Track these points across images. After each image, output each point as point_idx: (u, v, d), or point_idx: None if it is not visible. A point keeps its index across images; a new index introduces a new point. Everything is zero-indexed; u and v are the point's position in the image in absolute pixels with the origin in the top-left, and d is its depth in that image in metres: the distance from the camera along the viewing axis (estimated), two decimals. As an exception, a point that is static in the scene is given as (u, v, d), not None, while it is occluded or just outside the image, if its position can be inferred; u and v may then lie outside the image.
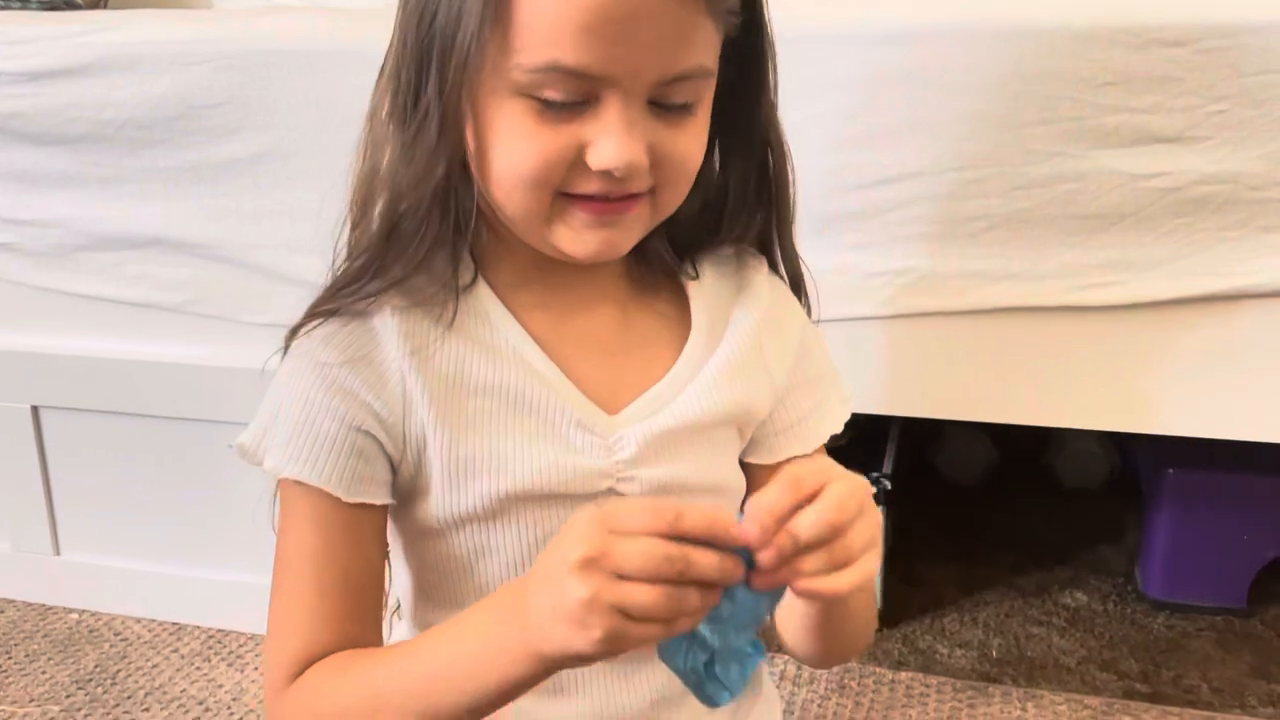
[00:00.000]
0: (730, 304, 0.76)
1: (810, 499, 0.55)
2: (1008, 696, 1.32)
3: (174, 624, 1.53)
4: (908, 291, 1.17)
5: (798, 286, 0.81)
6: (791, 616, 0.71)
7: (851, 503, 0.55)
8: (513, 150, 0.64)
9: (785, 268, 0.80)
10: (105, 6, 2.11)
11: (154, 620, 1.54)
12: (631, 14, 0.60)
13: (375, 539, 0.73)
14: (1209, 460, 1.43)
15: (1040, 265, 1.12)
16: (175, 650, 1.47)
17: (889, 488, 1.43)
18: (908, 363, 1.20)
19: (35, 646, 1.49)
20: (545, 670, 0.59)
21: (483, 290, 0.72)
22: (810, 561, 0.55)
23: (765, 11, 0.70)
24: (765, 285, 0.78)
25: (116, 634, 1.52)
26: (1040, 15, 1.07)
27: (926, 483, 1.83)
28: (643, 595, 0.53)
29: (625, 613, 0.53)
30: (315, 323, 0.71)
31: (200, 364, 1.42)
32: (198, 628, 1.52)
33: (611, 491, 0.71)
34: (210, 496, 1.48)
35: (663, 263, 0.76)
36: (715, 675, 0.58)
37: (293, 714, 0.70)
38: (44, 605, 1.59)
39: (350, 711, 0.66)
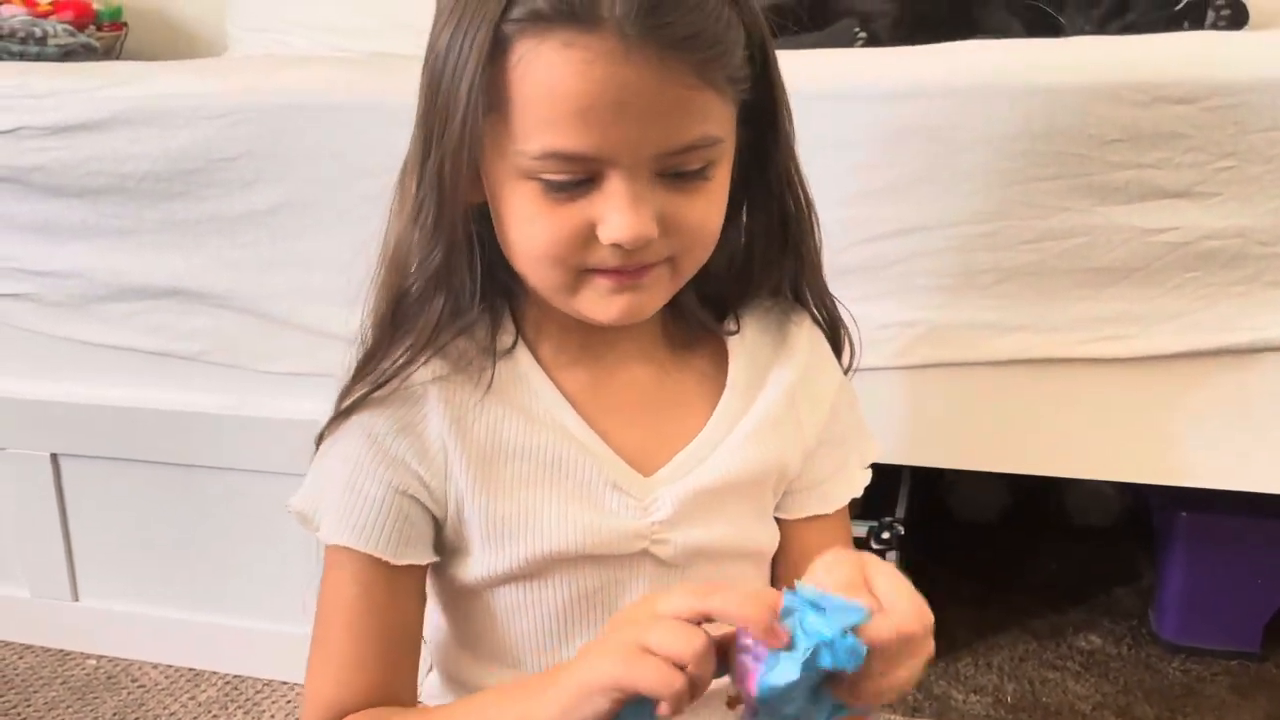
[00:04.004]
0: (770, 360, 0.77)
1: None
2: (1023, 744, 1.32)
3: (191, 670, 1.54)
4: (919, 343, 1.18)
5: (836, 331, 0.82)
6: None
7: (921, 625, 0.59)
8: (525, 231, 0.66)
9: (820, 314, 0.81)
10: (120, 53, 2.14)
11: (171, 666, 1.55)
12: (619, 97, 0.61)
13: (415, 595, 0.75)
14: (1221, 504, 1.43)
15: (1050, 318, 1.13)
16: (192, 697, 1.48)
17: (901, 533, 1.43)
18: (919, 413, 1.20)
19: (54, 694, 1.50)
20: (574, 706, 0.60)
21: (522, 354, 0.73)
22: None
23: (775, 70, 0.70)
24: (805, 342, 0.79)
25: (134, 680, 1.52)
26: (1047, 73, 1.08)
27: (939, 523, 1.83)
28: (667, 630, 0.56)
29: (647, 647, 0.56)
30: (351, 401, 0.72)
31: (217, 412, 1.43)
32: (215, 674, 1.53)
33: (646, 553, 0.72)
34: (228, 543, 1.49)
35: (701, 320, 0.77)
36: None
37: None
38: (63, 651, 1.60)
39: None
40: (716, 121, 0.65)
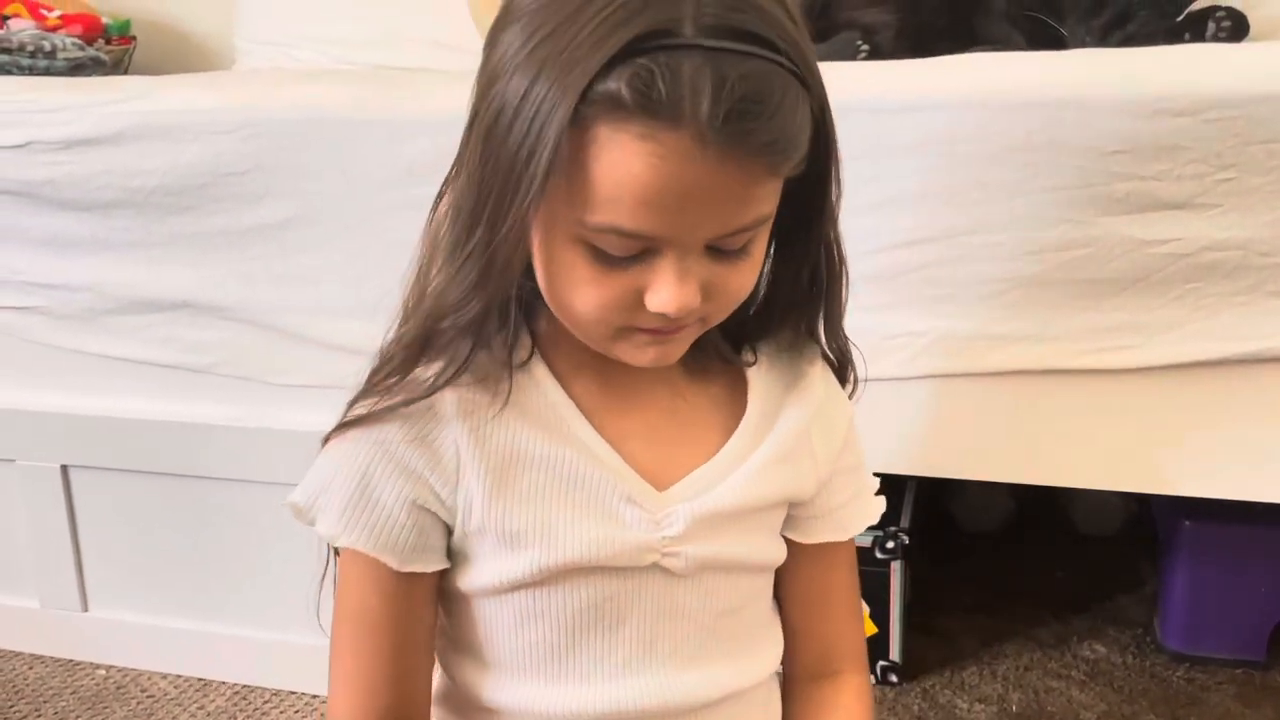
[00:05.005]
0: (784, 395, 0.78)
1: None
2: (1028, 752, 1.33)
3: (200, 680, 1.55)
4: (924, 353, 1.18)
5: (844, 369, 0.83)
6: None
7: None
8: (572, 291, 0.67)
9: (831, 349, 0.82)
10: (129, 66, 2.16)
11: (180, 676, 1.56)
12: (687, 191, 0.61)
13: (428, 601, 0.76)
14: (1225, 513, 1.43)
15: (1053, 328, 1.14)
16: (201, 707, 1.49)
17: (906, 542, 1.44)
18: (924, 423, 1.21)
19: (64, 704, 1.51)
20: None
21: (539, 368, 0.74)
22: None
23: (834, 145, 0.70)
24: (819, 380, 0.80)
25: (143, 690, 1.53)
26: (1049, 86, 1.09)
27: (944, 532, 1.84)
28: None
29: None
30: (369, 414, 0.72)
31: (227, 424, 1.44)
32: (223, 684, 1.54)
33: (656, 566, 0.73)
34: (236, 554, 1.50)
35: (720, 352, 0.78)
36: None
37: None
38: (72, 661, 1.61)
39: None
40: (771, 202, 0.67)
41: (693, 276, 0.65)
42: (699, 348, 0.76)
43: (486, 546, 0.73)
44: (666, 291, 0.65)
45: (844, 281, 0.78)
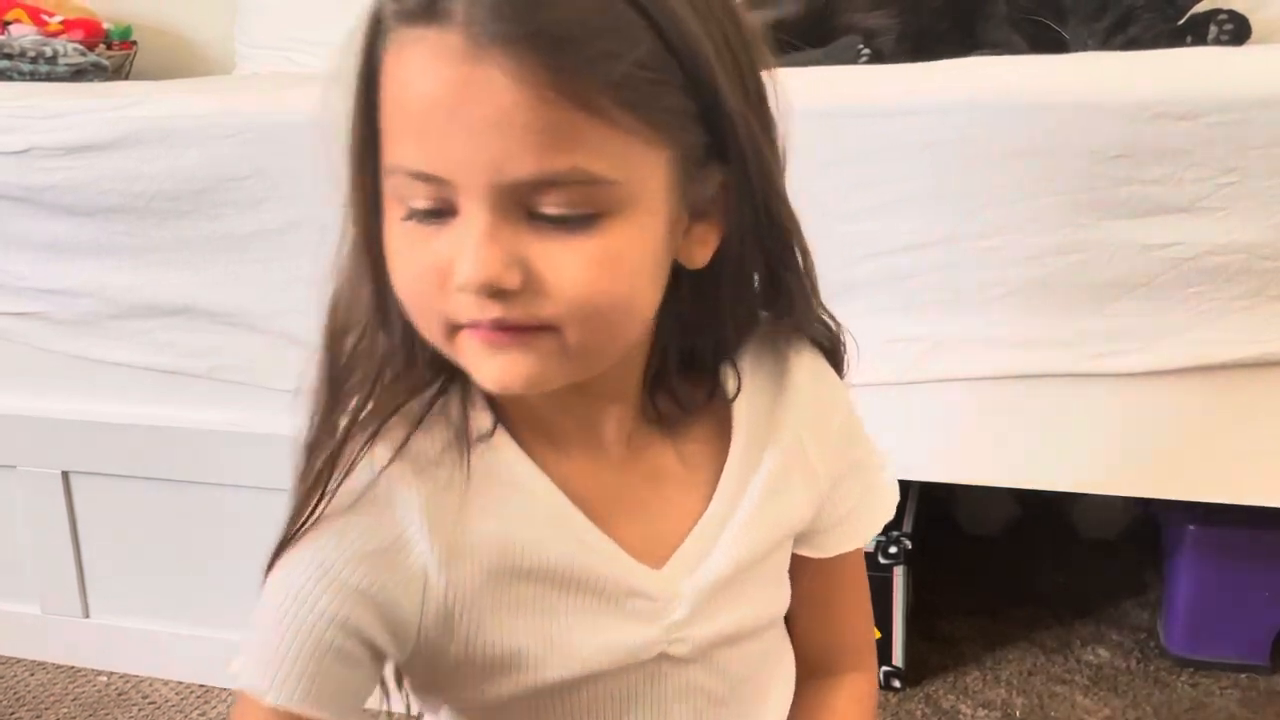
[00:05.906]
0: (771, 406, 0.70)
1: None
2: (1031, 758, 1.32)
3: (201, 686, 1.54)
4: (925, 357, 1.18)
5: (834, 349, 0.73)
6: None
7: None
8: (393, 267, 0.59)
9: (818, 335, 0.73)
10: (130, 71, 2.16)
11: (181, 683, 1.55)
12: (456, 103, 0.53)
13: None
14: (1229, 516, 1.43)
15: (1055, 332, 1.14)
16: (203, 714, 1.49)
17: (909, 547, 1.44)
18: (925, 428, 1.21)
19: (65, 710, 1.51)
20: None
21: (504, 441, 0.64)
22: None
23: (732, 104, 0.58)
24: (807, 377, 0.71)
25: (145, 697, 1.53)
26: (1050, 90, 1.09)
27: (947, 536, 1.83)
28: None
29: None
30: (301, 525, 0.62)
31: (227, 429, 1.44)
32: (225, 691, 1.53)
33: (663, 656, 0.67)
34: (237, 559, 1.49)
35: (694, 398, 0.68)
36: None
37: None
38: (74, 668, 1.60)
39: None
40: (603, 158, 0.54)
41: (499, 245, 0.54)
42: (667, 391, 0.67)
43: (470, 670, 0.65)
44: (462, 257, 0.54)
45: (805, 262, 0.66)
